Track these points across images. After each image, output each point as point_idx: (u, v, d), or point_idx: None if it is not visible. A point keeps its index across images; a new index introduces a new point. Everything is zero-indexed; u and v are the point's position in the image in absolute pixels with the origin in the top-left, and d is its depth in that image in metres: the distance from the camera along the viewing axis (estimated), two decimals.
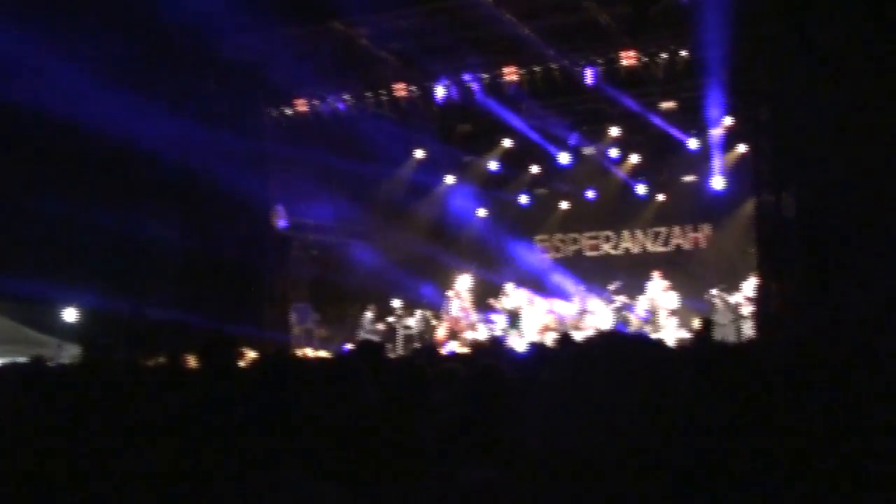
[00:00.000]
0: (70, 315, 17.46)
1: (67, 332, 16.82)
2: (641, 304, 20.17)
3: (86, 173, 16.34)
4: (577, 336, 16.14)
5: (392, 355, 10.18)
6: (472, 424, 3.49)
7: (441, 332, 19.97)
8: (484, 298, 20.98)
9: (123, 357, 10.78)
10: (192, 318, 15.58)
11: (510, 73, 17.75)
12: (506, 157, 23.28)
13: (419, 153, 22.57)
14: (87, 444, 4.41)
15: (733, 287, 19.09)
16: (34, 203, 15.88)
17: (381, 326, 20.79)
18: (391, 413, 3.80)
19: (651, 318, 19.76)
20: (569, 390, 1.32)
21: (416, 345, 18.73)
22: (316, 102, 19.05)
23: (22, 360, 12.15)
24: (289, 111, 19.06)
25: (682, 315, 19.88)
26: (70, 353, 14.93)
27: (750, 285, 17.52)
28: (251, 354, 9.09)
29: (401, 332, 20.92)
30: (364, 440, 3.03)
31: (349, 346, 14.79)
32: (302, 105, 18.93)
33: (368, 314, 20.80)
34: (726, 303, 18.97)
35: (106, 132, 14.97)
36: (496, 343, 9.79)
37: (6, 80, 14.38)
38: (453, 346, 17.87)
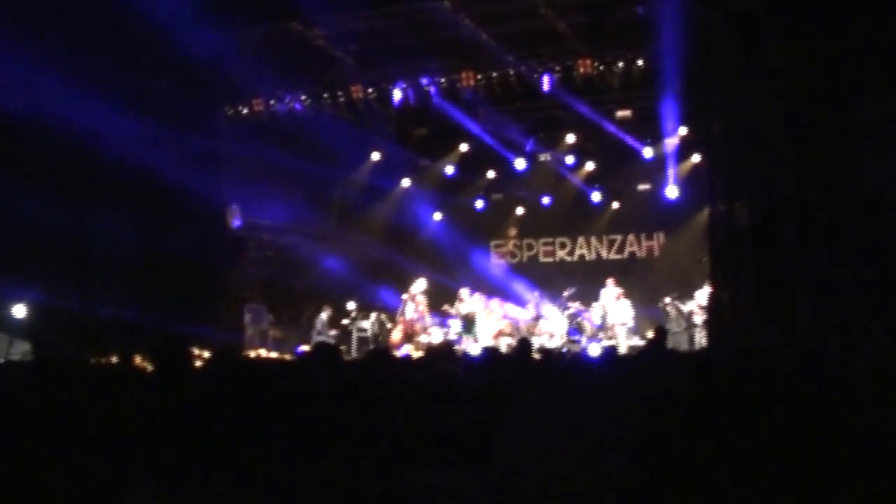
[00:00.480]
0: (19, 311, 17.19)
1: (16, 328, 16.58)
2: (595, 311, 20.29)
3: (38, 169, 16.11)
4: (535, 342, 16.21)
5: (346, 358, 10.16)
6: (426, 429, 3.49)
7: (396, 335, 19.94)
8: (439, 302, 20.99)
9: (73, 355, 10.66)
10: (144, 317, 15.43)
11: (467, 78, 17.82)
12: (462, 161, 23.31)
13: (375, 156, 22.54)
14: (37, 444, 4.36)
15: (686, 295, 19.26)
16: None
17: (334, 330, 20.67)
18: (345, 417, 3.80)
19: (604, 325, 19.88)
20: (562, 410, 1.30)
21: (371, 347, 18.68)
22: (272, 102, 18.98)
23: None
24: (245, 110, 18.97)
25: (635, 322, 20.01)
26: (19, 350, 14.74)
27: (703, 294, 17.67)
28: (205, 355, 9.03)
29: (355, 335, 20.85)
30: (318, 444, 3.02)
31: (303, 348, 14.75)
32: (258, 105, 18.86)
33: (323, 316, 20.65)
34: (679, 311, 19.13)
35: (60, 128, 14.79)
36: (449, 347, 9.81)
37: None
38: (408, 350, 17.87)
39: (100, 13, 15.36)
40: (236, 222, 18.61)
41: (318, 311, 20.80)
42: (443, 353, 7.73)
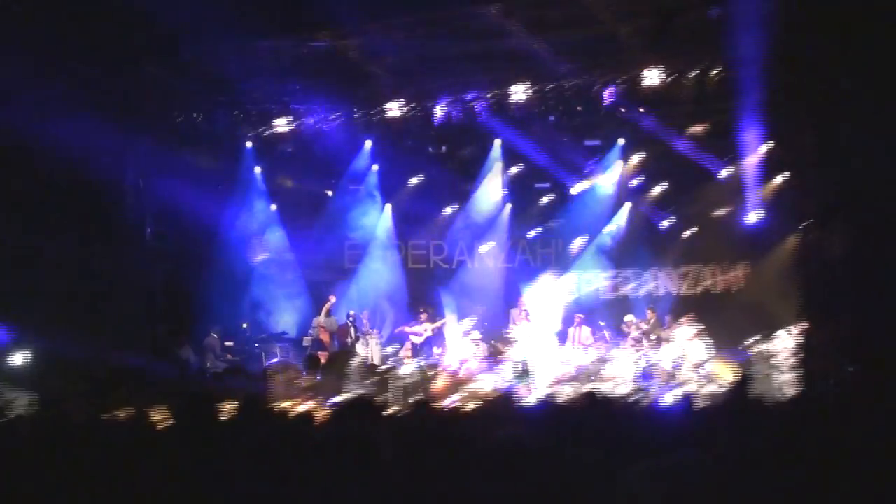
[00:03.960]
0: (19, 359, 17.28)
1: (18, 378, 16.66)
2: (668, 353, 20.04)
3: (41, 207, 16.24)
4: (599, 388, 15.99)
5: (386, 412, 10.04)
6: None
7: (440, 383, 19.79)
8: (489, 344, 20.85)
9: (81, 409, 10.67)
10: (160, 367, 15.47)
11: (518, 92, 17.78)
12: (513, 185, 23.27)
13: (414, 180, 22.57)
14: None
15: (772, 336, 18.98)
16: None
17: (369, 378, 20.43)
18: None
19: (679, 368, 19.61)
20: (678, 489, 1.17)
21: (411, 399, 18.53)
22: (299, 123, 19.04)
23: None
24: (268, 133, 19.03)
25: (713, 366, 19.74)
26: (22, 402, 14.80)
27: (791, 334, 17.41)
28: (228, 407, 8.97)
29: (392, 384, 20.67)
30: None
31: (336, 399, 14.69)
32: (285, 125, 18.92)
33: (352, 363, 20.28)
34: (764, 354, 18.83)
35: (66, 160, 14.91)
36: (507, 400, 9.57)
37: None
38: (455, 400, 17.70)
39: (116, 29, 15.47)
40: (261, 256, 18.66)
41: (349, 356, 20.61)
42: (500, 412, 7.57)
